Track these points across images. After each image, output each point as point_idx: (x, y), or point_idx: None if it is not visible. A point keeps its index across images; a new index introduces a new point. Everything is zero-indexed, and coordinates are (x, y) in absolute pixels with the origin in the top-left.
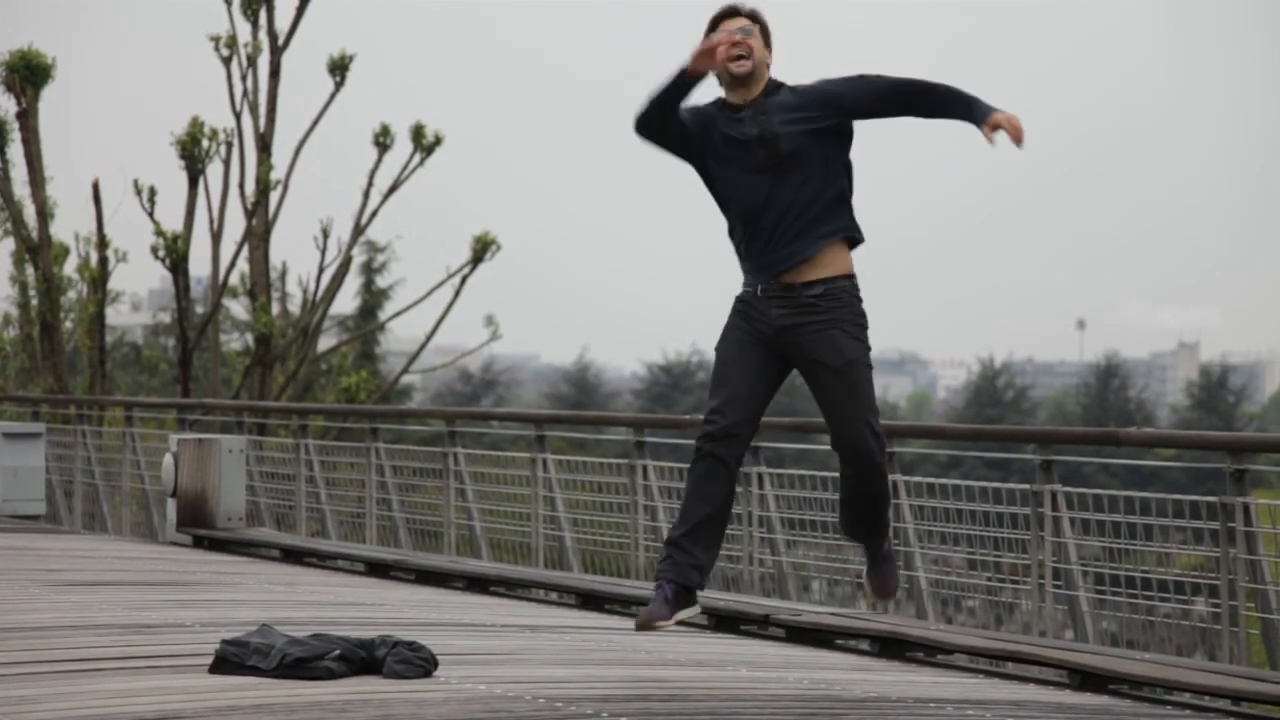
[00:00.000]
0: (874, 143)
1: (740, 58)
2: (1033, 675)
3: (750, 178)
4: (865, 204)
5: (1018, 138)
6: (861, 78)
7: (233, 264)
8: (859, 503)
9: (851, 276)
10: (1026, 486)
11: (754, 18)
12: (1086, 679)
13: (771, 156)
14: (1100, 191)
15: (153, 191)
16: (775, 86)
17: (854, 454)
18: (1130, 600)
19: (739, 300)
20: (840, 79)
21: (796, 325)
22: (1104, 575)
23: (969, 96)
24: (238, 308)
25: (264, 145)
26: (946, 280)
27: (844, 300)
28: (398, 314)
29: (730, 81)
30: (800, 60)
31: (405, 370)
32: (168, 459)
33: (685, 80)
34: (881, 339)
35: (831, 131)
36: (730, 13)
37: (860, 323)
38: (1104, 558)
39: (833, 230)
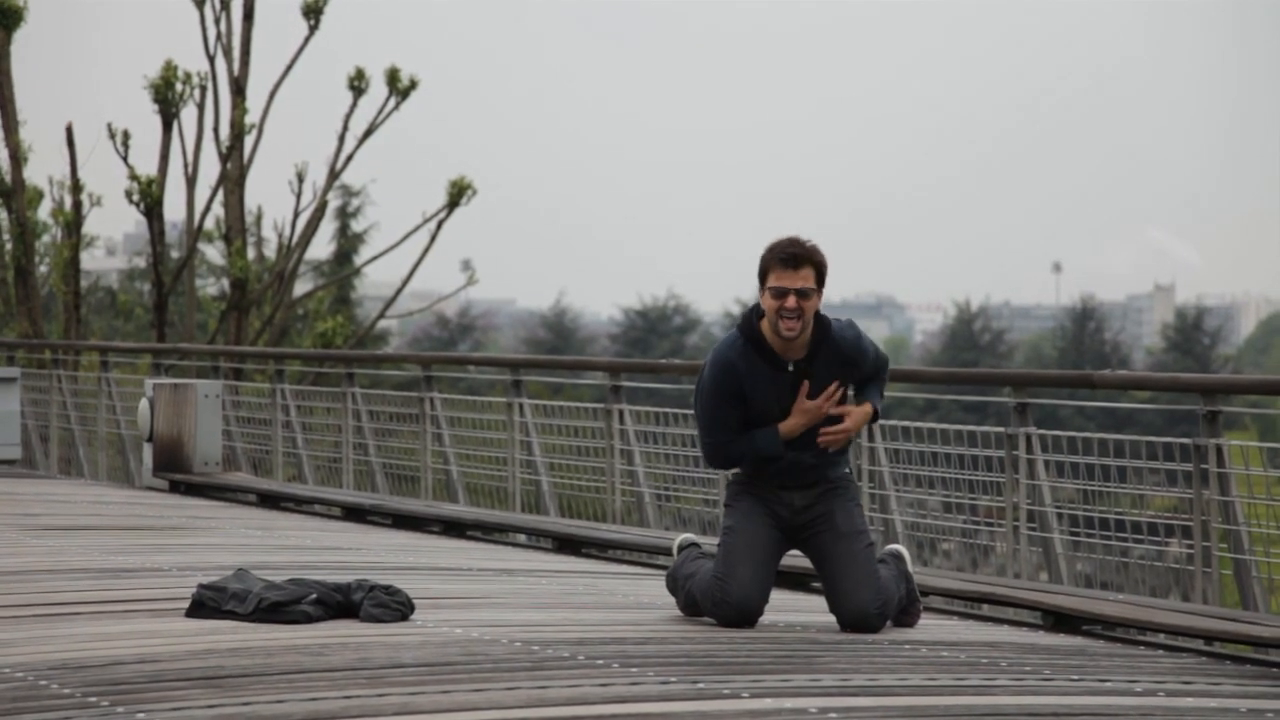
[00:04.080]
0: (852, 89)
1: (791, 320)
2: (1007, 617)
3: (779, 418)
4: (844, 148)
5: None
6: (879, 367)
7: (208, 208)
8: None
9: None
10: (1002, 430)
11: (819, 268)
12: (1060, 620)
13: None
14: (1076, 135)
15: (126, 135)
16: (819, 339)
17: (856, 621)
18: (1105, 542)
19: (751, 482)
20: (871, 356)
21: (815, 504)
22: (1079, 517)
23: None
24: (213, 252)
25: (238, 89)
26: (923, 224)
27: (853, 482)
28: (374, 259)
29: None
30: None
31: (381, 315)
32: (143, 404)
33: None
34: (859, 283)
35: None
36: (793, 261)
37: (860, 503)
38: (1079, 500)
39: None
